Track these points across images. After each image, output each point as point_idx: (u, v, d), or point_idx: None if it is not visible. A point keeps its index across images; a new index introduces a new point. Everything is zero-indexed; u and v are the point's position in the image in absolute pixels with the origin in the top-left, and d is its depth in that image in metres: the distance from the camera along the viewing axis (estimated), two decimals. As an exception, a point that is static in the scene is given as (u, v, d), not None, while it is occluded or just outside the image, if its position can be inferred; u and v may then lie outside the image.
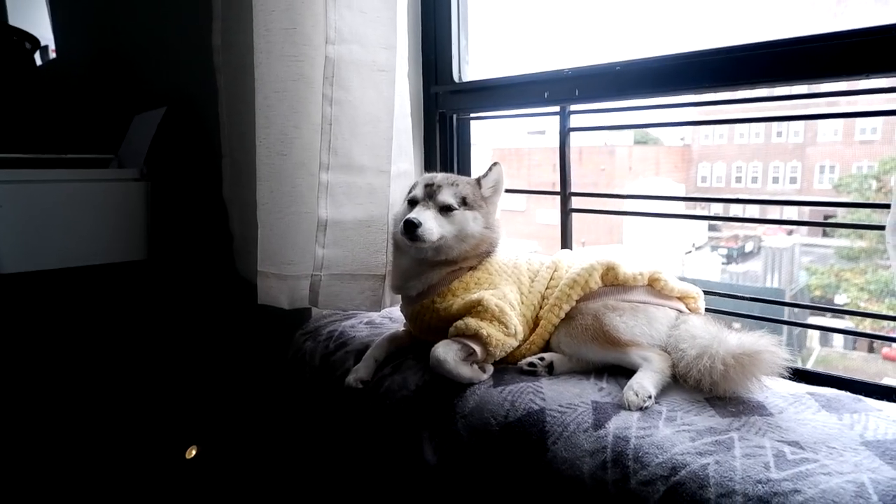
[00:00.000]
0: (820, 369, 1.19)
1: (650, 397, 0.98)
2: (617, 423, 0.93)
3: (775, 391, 1.02)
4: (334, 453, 1.41)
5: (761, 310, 1.32)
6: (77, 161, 2.25)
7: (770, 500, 0.74)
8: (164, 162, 2.28)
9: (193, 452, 2.05)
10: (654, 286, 1.18)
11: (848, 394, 1.03)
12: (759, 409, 0.96)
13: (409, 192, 1.29)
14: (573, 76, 1.46)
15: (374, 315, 1.55)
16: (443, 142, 1.83)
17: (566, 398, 1.02)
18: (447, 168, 1.82)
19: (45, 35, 3.31)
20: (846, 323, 2.12)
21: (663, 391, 1.03)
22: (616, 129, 1.79)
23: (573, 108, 1.50)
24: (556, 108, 1.52)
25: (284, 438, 1.73)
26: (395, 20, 1.35)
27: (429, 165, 1.84)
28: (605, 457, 0.88)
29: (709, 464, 0.81)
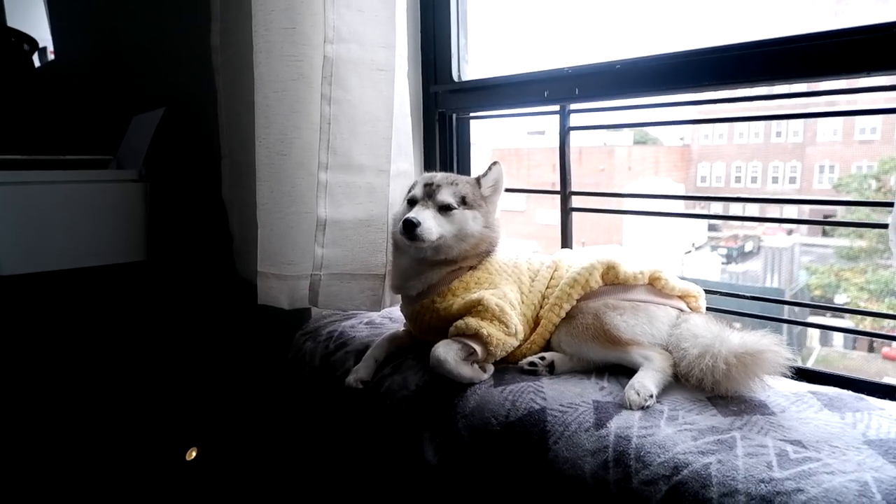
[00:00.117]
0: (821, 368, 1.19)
1: (652, 396, 0.98)
2: (618, 423, 0.93)
3: (777, 390, 1.02)
4: (335, 454, 1.40)
5: (762, 309, 1.32)
6: (76, 162, 2.24)
7: (773, 499, 0.74)
8: (164, 163, 2.27)
9: (194, 454, 2.05)
10: (654, 285, 1.18)
11: (850, 393, 1.02)
12: (761, 408, 0.96)
13: (409, 191, 1.28)
14: (573, 75, 1.46)
15: (374, 315, 1.55)
16: (442, 141, 1.82)
17: (567, 397, 1.02)
18: (447, 168, 1.82)
19: (44, 36, 3.31)
20: (846, 322, 2.12)
21: (665, 390, 1.02)
22: (616, 128, 1.79)
23: (573, 107, 1.50)
24: (556, 107, 1.52)
25: (285, 439, 1.73)
26: (394, 19, 1.35)
27: (428, 165, 1.83)
28: (606, 456, 0.88)
29: (711, 463, 0.81)
